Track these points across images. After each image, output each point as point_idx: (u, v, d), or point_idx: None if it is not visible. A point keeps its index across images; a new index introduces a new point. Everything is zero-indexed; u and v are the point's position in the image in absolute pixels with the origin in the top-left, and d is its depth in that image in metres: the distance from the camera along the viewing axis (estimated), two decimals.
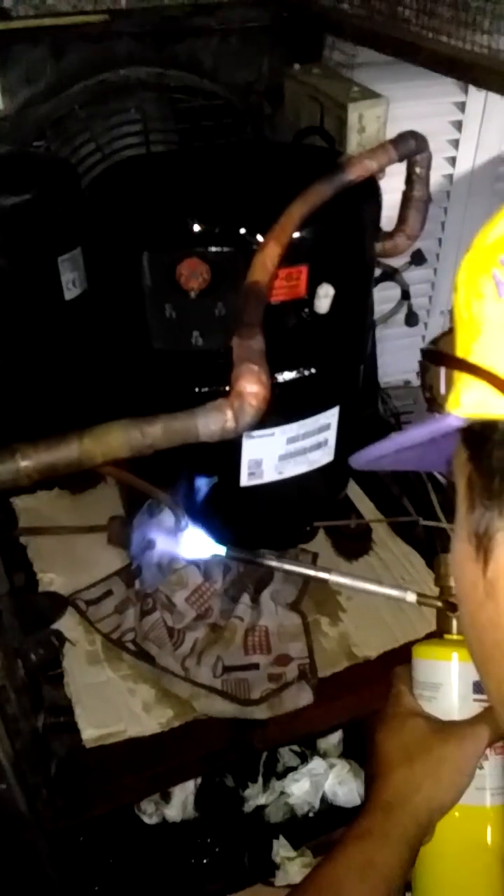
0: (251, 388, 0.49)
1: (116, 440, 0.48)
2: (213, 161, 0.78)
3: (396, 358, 1.36)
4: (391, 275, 1.01)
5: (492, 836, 0.52)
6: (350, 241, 0.70)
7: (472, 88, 1.18)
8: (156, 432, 0.49)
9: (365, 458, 0.40)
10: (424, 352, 0.37)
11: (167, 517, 0.77)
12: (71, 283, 0.86)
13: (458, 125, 1.20)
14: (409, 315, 1.10)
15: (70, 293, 0.86)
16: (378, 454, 0.39)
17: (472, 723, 0.53)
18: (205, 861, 1.06)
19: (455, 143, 1.19)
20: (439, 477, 1.05)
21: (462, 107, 1.19)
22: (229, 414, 0.49)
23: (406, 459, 0.40)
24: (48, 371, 0.89)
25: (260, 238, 0.63)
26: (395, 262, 1.05)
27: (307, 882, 0.51)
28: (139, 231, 0.66)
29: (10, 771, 0.53)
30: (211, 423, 0.49)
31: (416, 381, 1.59)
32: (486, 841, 0.52)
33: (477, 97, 1.20)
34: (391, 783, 0.52)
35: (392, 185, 0.76)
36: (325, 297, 0.66)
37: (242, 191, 0.68)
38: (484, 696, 0.56)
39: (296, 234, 0.63)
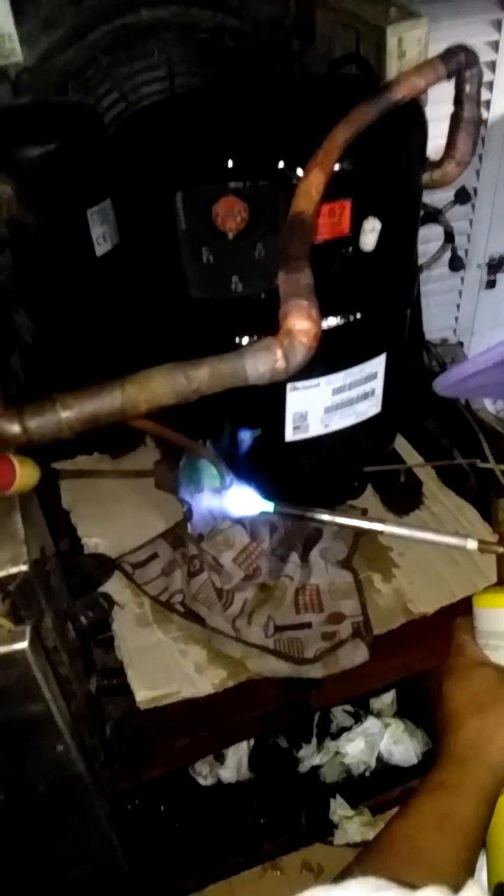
0: (301, 324, 0.46)
1: (160, 386, 0.46)
2: (244, 96, 0.74)
3: (433, 314, 1.30)
4: (434, 215, 0.96)
5: None
6: (396, 171, 0.66)
7: None
8: (201, 376, 0.46)
9: (453, 377, 0.37)
10: None
11: (213, 474, 0.74)
12: (101, 237, 0.83)
13: (495, 46, 1.13)
14: (453, 259, 1.05)
15: (101, 248, 0.83)
16: (467, 372, 0.36)
17: None
18: (261, 821, 1.06)
19: (492, 66, 1.12)
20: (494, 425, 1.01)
21: (498, 25, 1.11)
22: (279, 353, 0.46)
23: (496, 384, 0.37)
24: (81, 331, 0.87)
25: (300, 172, 0.59)
26: (438, 202, 0.99)
27: (381, 838, 0.50)
28: (171, 170, 0.62)
29: (68, 733, 0.52)
30: (260, 364, 0.46)
31: (453, 338, 1.54)
32: None
33: None
34: (464, 735, 0.51)
35: (437, 114, 0.71)
36: (371, 233, 0.61)
37: (278, 123, 0.64)
38: None
39: (336, 167, 0.58)
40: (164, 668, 0.77)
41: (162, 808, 1.07)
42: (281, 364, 0.46)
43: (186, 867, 1.01)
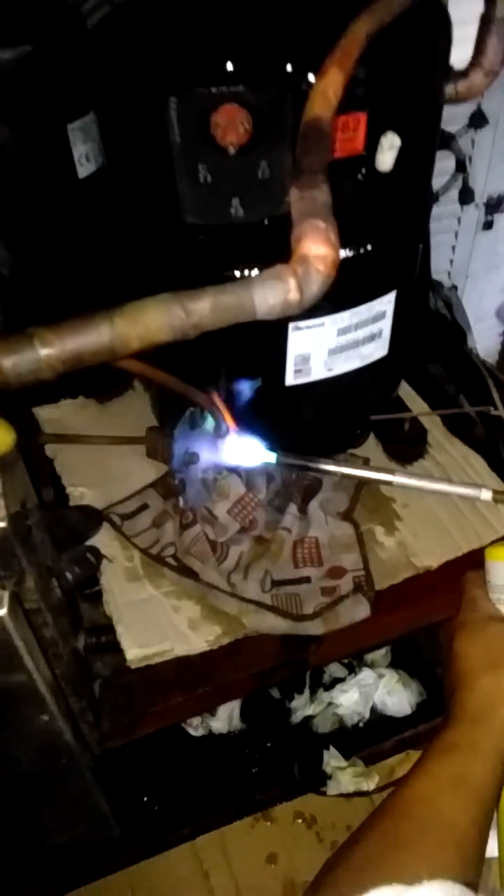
0: (318, 249, 0.40)
1: (154, 320, 0.40)
2: None
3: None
4: (447, 141, 0.88)
5: None
6: (417, 80, 0.58)
7: None
8: (202, 309, 0.40)
9: None
10: None
11: (210, 427, 0.69)
12: (84, 157, 0.75)
13: None
14: (463, 190, 0.98)
15: (84, 169, 0.75)
16: None
17: None
18: (253, 771, 1.04)
19: None
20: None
21: None
22: (292, 283, 0.40)
23: None
24: (64, 263, 0.80)
25: (311, 78, 0.52)
26: (452, 126, 0.91)
27: (393, 801, 0.48)
28: (163, 73, 0.54)
29: (52, 700, 0.48)
30: (269, 295, 0.40)
31: (447, 282, 1.47)
32: None
33: None
34: (477, 693, 0.50)
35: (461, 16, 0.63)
36: (389, 150, 0.55)
37: (286, 17, 0.55)
38: None
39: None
40: (156, 624, 0.73)
41: (153, 758, 1.05)
42: (294, 296, 0.40)
43: (177, 817, 1.00)
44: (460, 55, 0.64)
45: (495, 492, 0.56)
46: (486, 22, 0.57)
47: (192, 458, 0.67)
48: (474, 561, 0.74)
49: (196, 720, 1.08)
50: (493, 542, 0.75)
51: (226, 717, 1.08)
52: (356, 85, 0.54)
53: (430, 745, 0.51)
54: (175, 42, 0.55)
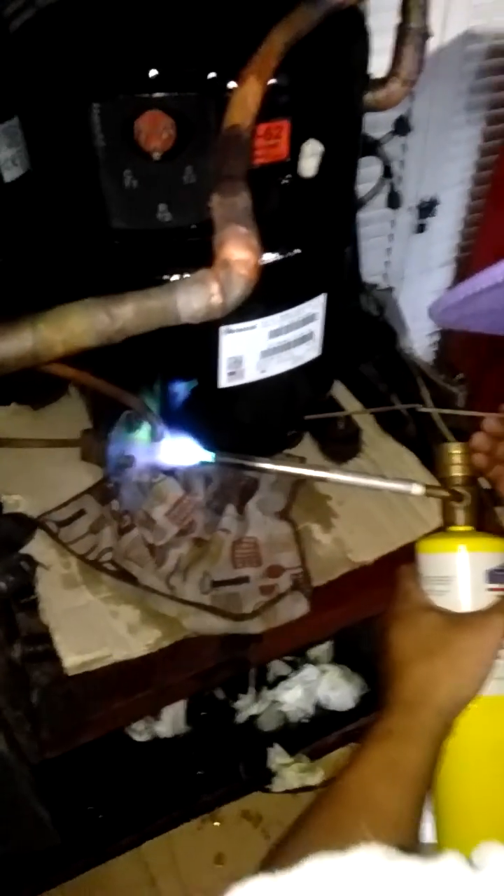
0: (240, 254, 0.41)
1: (79, 325, 0.40)
2: None
3: (364, 259, 1.26)
4: (373, 147, 0.90)
5: None
6: (337, 88, 0.60)
7: None
8: (126, 313, 0.40)
9: (457, 296, 0.32)
10: None
11: (145, 430, 0.69)
12: (10, 160, 0.73)
13: None
14: (391, 195, 1.00)
15: (10, 173, 0.74)
16: (469, 291, 0.31)
17: (489, 613, 0.51)
18: (199, 773, 1.05)
19: None
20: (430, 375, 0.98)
21: None
22: (215, 287, 0.40)
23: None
24: None
25: (233, 84, 0.53)
26: (377, 133, 0.94)
27: (332, 791, 0.48)
28: (86, 79, 0.54)
29: None
30: (193, 299, 0.40)
31: (383, 284, 1.51)
32: None
33: None
34: (411, 680, 0.50)
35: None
36: (312, 157, 0.56)
37: (207, 27, 0.56)
38: (498, 585, 0.53)
39: (272, 81, 0.52)
40: (94, 630, 0.72)
41: (97, 766, 1.04)
42: (217, 299, 0.40)
43: (123, 824, 0.99)
44: (379, 64, 0.66)
45: (427, 486, 0.58)
46: (402, 33, 0.59)
47: (127, 462, 0.67)
48: (408, 555, 0.76)
49: (140, 725, 1.08)
50: (424, 536, 0.77)
51: (170, 721, 1.08)
52: (278, 93, 0.55)
53: (367, 733, 0.52)
54: (98, 48, 0.56)
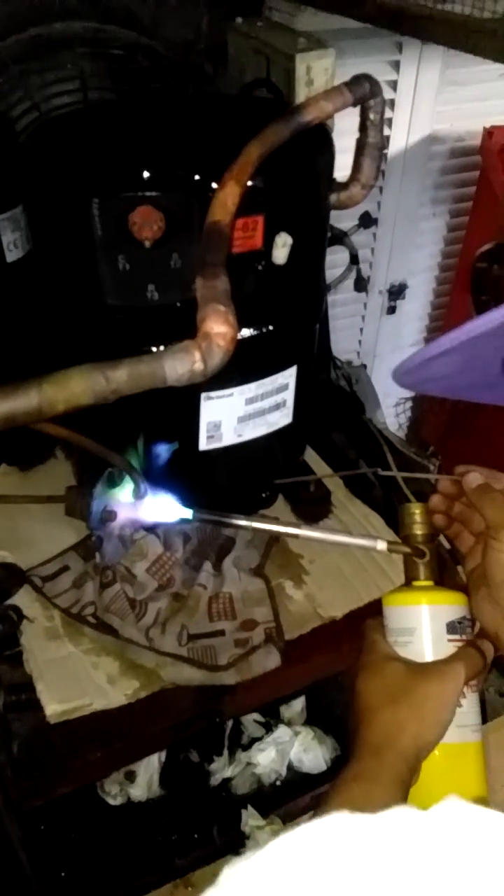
0: (219, 328, 0.47)
1: (78, 385, 0.46)
2: (158, 111, 0.76)
3: (338, 337, 1.36)
4: (340, 238, 1.00)
5: (475, 772, 0.52)
6: (306, 190, 0.69)
7: (405, 55, 1.19)
8: (120, 377, 0.46)
9: (410, 364, 0.38)
10: None
11: (128, 487, 0.74)
12: (12, 244, 0.82)
13: (394, 85, 1.21)
14: (358, 280, 1.10)
15: (12, 255, 0.82)
16: (424, 356, 0.37)
17: (449, 661, 0.54)
18: (173, 837, 1.04)
19: (391, 104, 1.20)
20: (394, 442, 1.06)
21: (397, 66, 1.19)
22: (197, 356, 0.47)
23: (464, 380, 0.38)
24: None
25: (215, 185, 0.61)
26: (344, 227, 1.04)
27: None
28: (88, 178, 0.63)
29: None
30: (178, 365, 0.47)
31: (357, 361, 1.61)
32: (470, 777, 0.52)
33: (410, 63, 1.21)
34: (377, 726, 0.52)
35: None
36: (283, 247, 0.64)
37: (193, 137, 0.65)
38: (457, 636, 0.56)
39: (250, 183, 0.61)
40: (76, 680, 0.75)
41: (71, 832, 1.03)
42: (199, 366, 0.47)
43: (97, 889, 0.98)
44: (343, 160, 0.76)
45: (390, 542, 0.63)
46: (360, 146, 0.69)
47: (109, 516, 0.72)
48: (374, 610, 0.81)
49: (115, 789, 1.08)
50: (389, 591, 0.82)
51: (145, 784, 1.08)
52: (254, 193, 0.64)
53: (336, 779, 0.53)
54: (98, 152, 0.64)
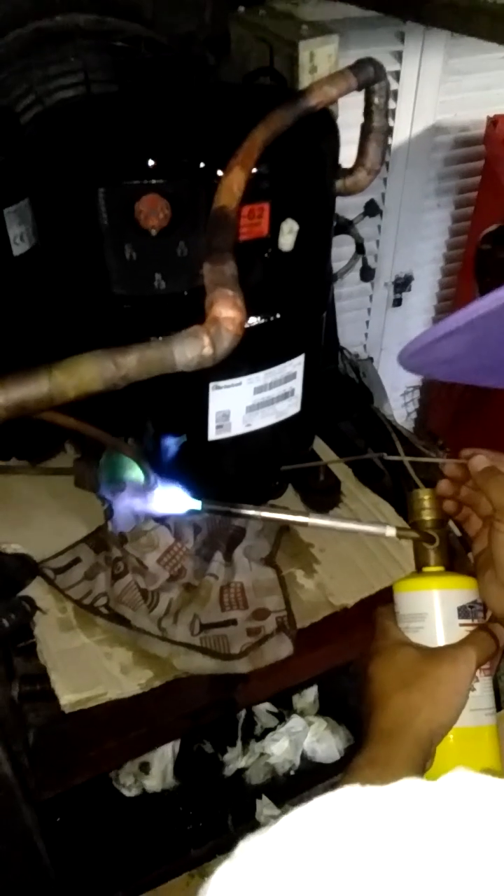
0: (227, 312, 0.47)
1: (89, 372, 0.46)
2: (162, 100, 0.75)
3: (344, 330, 1.36)
4: (346, 226, 1.00)
5: (490, 756, 0.52)
6: (311, 176, 0.69)
7: (408, 45, 1.18)
8: (129, 362, 0.46)
9: (413, 347, 0.38)
10: None
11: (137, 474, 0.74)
12: (19, 237, 0.82)
13: (396, 75, 1.20)
14: (364, 269, 1.09)
15: (18, 248, 0.82)
16: (428, 339, 0.36)
17: (461, 645, 0.54)
18: (188, 828, 1.05)
19: (394, 94, 1.19)
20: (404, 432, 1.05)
21: (399, 56, 1.19)
22: (206, 340, 0.47)
23: (471, 363, 0.37)
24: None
25: (220, 172, 0.61)
26: (349, 215, 1.04)
27: None
28: (93, 167, 0.63)
29: None
30: (187, 350, 0.47)
31: (364, 354, 1.60)
32: (485, 760, 0.52)
33: (413, 52, 1.20)
34: (389, 711, 0.52)
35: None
36: (289, 234, 0.64)
37: (197, 125, 0.65)
38: (468, 621, 0.56)
39: (255, 170, 0.61)
40: (89, 670, 0.76)
41: (88, 824, 1.04)
42: (208, 351, 0.47)
43: (113, 880, 0.99)
44: (347, 152, 0.76)
45: (399, 528, 0.63)
46: (366, 131, 0.69)
47: (119, 486, 0.72)
48: (385, 598, 0.81)
49: (130, 780, 1.08)
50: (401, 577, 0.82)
51: (160, 775, 1.09)
52: (260, 180, 0.64)
53: (349, 765, 0.54)
54: (103, 142, 0.64)
